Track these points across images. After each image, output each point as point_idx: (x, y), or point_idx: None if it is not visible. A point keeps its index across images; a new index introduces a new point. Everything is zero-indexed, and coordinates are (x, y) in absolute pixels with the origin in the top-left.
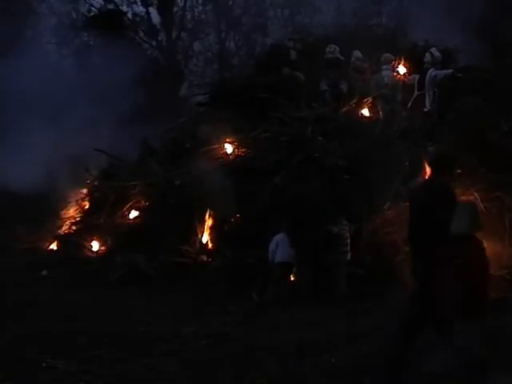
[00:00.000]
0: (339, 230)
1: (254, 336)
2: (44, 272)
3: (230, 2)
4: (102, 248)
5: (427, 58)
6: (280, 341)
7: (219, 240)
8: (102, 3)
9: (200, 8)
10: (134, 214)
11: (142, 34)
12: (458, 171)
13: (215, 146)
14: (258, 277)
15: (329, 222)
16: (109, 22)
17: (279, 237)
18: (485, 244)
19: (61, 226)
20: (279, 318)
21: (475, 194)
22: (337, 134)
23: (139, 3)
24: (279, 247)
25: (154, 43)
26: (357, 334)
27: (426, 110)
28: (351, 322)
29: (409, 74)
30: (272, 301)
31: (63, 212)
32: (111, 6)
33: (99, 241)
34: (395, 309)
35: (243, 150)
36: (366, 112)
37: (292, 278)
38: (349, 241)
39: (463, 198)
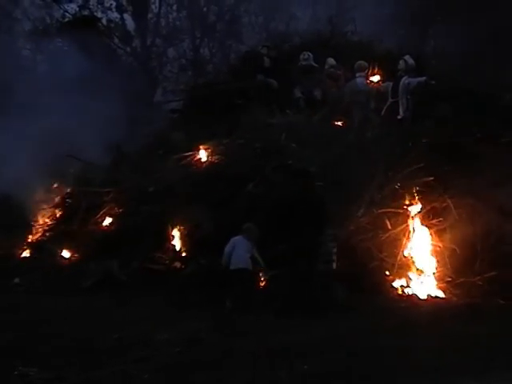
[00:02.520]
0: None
1: (228, 342)
2: (16, 279)
3: (205, 9)
4: (76, 255)
5: (401, 65)
6: (254, 347)
7: (193, 247)
8: (77, 9)
9: (174, 14)
10: (107, 220)
11: (116, 40)
12: (431, 178)
13: (189, 152)
14: (231, 283)
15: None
16: (83, 28)
17: (236, 239)
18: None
19: (34, 233)
20: (253, 325)
21: (448, 200)
22: (311, 141)
23: (114, 9)
24: (235, 252)
25: (128, 49)
26: (330, 340)
27: (399, 117)
28: (324, 328)
29: (382, 82)
30: (241, 307)
31: (36, 219)
32: (86, 12)
33: (72, 247)
34: (369, 315)
35: (217, 156)
36: (339, 119)
37: (262, 285)
38: (335, 250)
39: None
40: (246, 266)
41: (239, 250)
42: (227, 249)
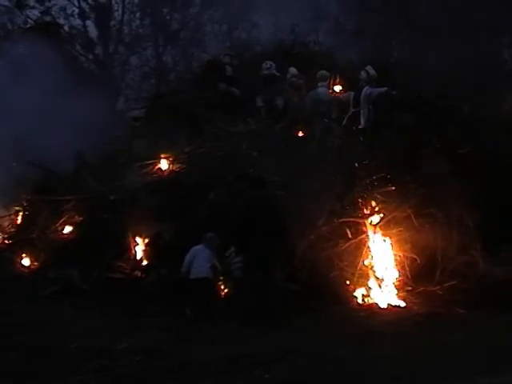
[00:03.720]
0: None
1: (188, 351)
2: None
3: (168, 17)
4: (36, 263)
5: (362, 75)
6: (214, 356)
7: (154, 256)
8: (39, 15)
9: (137, 22)
10: (67, 228)
11: (78, 47)
12: (392, 188)
13: (150, 160)
14: (191, 292)
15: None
16: (45, 35)
17: (197, 249)
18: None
19: None
20: (213, 333)
21: (408, 209)
22: (272, 150)
23: (76, 16)
24: (195, 261)
25: (90, 56)
26: (291, 350)
27: (360, 127)
28: (285, 337)
29: (344, 92)
30: (202, 316)
31: None
32: (48, 19)
33: (32, 256)
34: (329, 324)
35: (178, 165)
36: (301, 128)
37: (223, 294)
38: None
39: None
40: (206, 275)
41: (199, 260)
42: (187, 258)
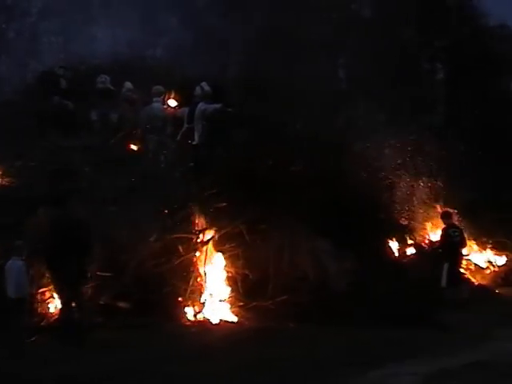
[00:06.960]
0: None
1: (17, 370)
2: None
3: (4, 26)
4: None
5: (197, 91)
6: (40, 377)
7: None
8: None
9: None
10: None
11: None
12: (224, 204)
13: None
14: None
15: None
16: None
17: (8, 266)
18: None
19: None
20: (40, 352)
21: (240, 225)
22: (105, 165)
23: None
24: (8, 280)
25: None
26: (120, 368)
27: (194, 142)
28: (115, 355)
29: (179, 107)
30: (26, 336)
31: None
32: None
33: None
34: (161, 341)
35: (7, 179)
36: (135, 143)
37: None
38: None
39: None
40: (17, 296)
41: (10, 278)
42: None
